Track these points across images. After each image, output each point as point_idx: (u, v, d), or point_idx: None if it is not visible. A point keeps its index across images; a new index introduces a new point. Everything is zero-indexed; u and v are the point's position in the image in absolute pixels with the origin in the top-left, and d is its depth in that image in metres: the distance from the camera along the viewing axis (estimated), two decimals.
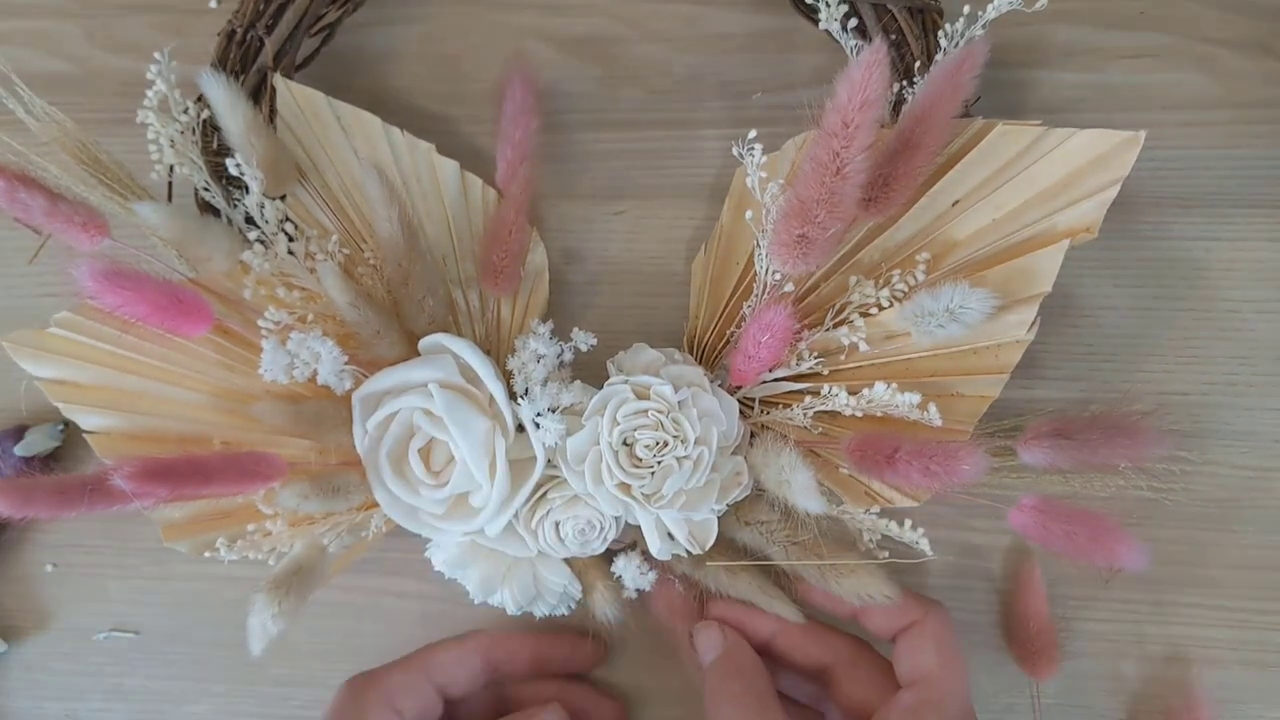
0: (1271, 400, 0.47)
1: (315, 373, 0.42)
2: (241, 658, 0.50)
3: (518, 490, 0.44)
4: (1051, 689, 0.47)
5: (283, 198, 0.45)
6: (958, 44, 0.42)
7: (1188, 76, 0.48)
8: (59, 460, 0.50)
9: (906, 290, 0.42)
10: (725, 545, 0.45)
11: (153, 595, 0.51)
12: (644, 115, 0.50)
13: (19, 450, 0.49)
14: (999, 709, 0.48)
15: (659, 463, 0.42)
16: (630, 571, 0.45)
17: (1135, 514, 0.45)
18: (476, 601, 0.46)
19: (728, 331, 0.45)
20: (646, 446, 0.42)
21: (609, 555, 0.46)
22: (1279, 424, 0.47)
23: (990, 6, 0.41)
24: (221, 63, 0.45)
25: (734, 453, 0.44)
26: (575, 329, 0.44)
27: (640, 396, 0.43)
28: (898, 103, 0.43)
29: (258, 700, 0.51)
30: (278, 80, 0.45)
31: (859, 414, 0.42)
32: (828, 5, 0.43)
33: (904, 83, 0.43)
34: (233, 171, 0.43)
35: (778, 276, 0.42)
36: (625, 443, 0.43)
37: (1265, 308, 0.47)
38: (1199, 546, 0.47)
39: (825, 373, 0.43)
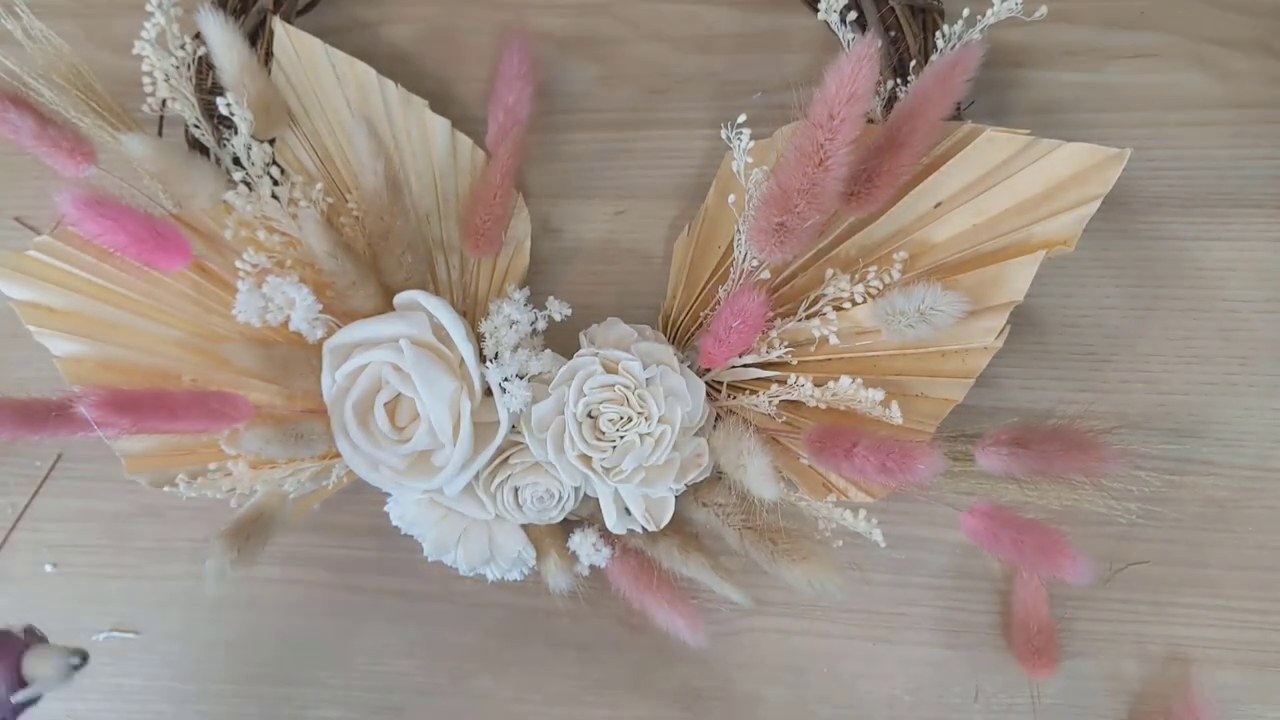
0: (1271, 400, 0.47)
1: (288, 318, 0.43)
2: (242, 657, 0.51)
3: (479, 453, 0.44)
4: (1051, 689, 0.48)
5: (271, 141, 0.45)
6: (954, 45, 0.42)
7: (1188, 76, 0.48)
8: None
9: (881, 288, 0.42)
10: (681, 524, 0.46)
11: (153, 595, 0.51)
12: (642, 115, 0.50)
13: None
14: (999, 709, 0.48)
15: (621, 437, 0.43)
16: (585, 548, 0.45)
17: (1135, 514, 0.44)
18: (430, 559, 0.46)
19: (702, 314, 0.45)
20: (610, 420, 0.43)
21: (566, 525, 0.46)
22: (1279, 424, 0.47)
23: (990, 11, 0.41)
24: (222, 2, 0.45)
25: (697, 434, 0.45)
26: (551, 298, 0.44)
27: (609, 370, 0.43)
28: (890, 100, 0.43)
29: (258, 700, 0.51)
30: (276, 24, 0.45)
31: (823, 406, 0.43)
32: None
33: (898, 80, 0.43)
34: (223, 111, 0.43)
35: (755, 263, 0.42)
36: (590, 415, 0.43)
37: (1265, 308, 0.47)
38: (1199, 546, 0.47)
39: (793, 363, 0.44)
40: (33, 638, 0.41)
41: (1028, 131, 0.41)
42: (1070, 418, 0.43)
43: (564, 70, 0.50)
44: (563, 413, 0.43)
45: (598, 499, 0.45)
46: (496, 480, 0.45)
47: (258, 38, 0.46)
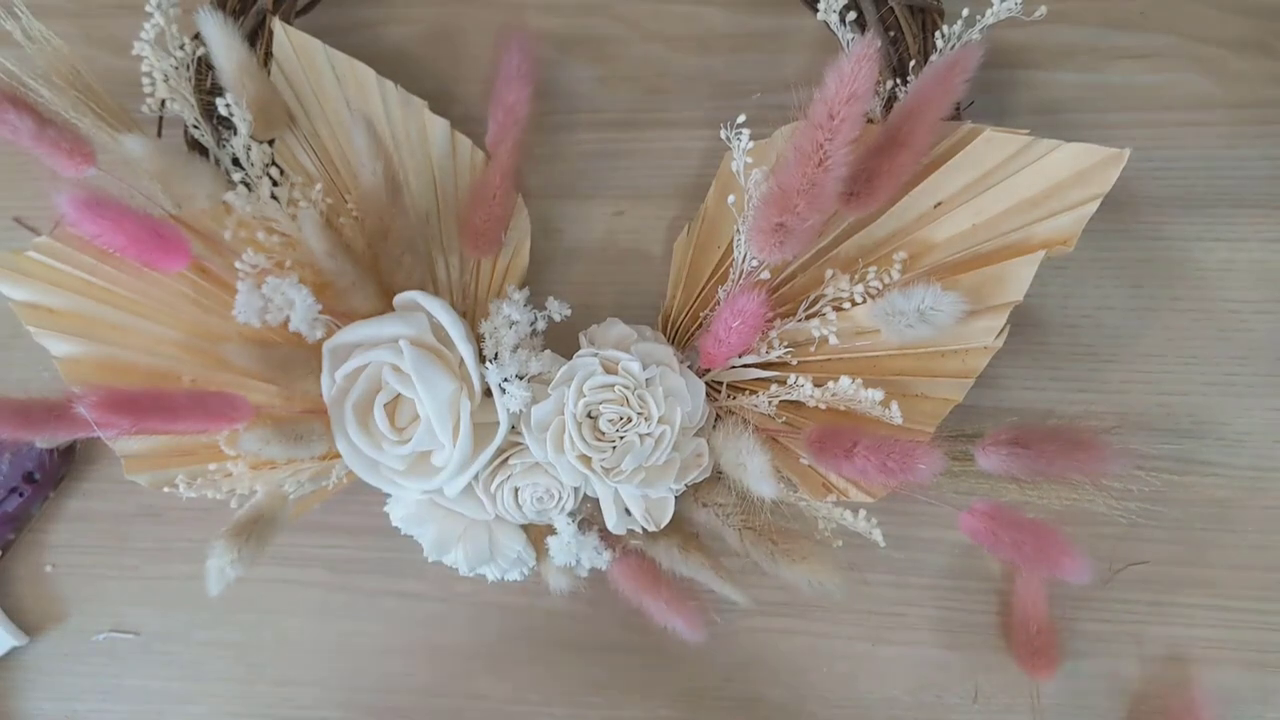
0: (1271, 400, 0.47)
1: (288, 319, 0.43)
2: (241, 658, 0.51)
3: (479, 453, 0.44)
4: (1051, 689, 0.48)
5: (271, 142, 0.45)
6: (954, 46, 0.42)
7: (1188, 76, 0.48)
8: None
9: (881, 288, 0.42)
10: (681, 524, 0.46)
11: (152, 595, 0.51)
12: (642, 115, 0.49)
13: None
14: (999, 709, 0.48)
15: (621, 438, 0.43)
16: (588, 550, 0.45)
17: (1135, 514, 0.44)
18: (430, 560, 0.46)
19: (702, 314, 0.45)
20: (610, 421, 0.43)
21: None
22: (1278, 424, 0.47)
23: (989, 11, 0.41)
24: (221, 3, 0.45)
25: (697, 434, 0.45)
26: (550, 298, 0.44)
27: (608, 371, 0.43)
28: (890, 100, 0.43)
29: (258, 700, 0.51)
30: (276, 24, 0.45)
31: (823, 406, 0.43)
32: None
33: (897, 80, 0.43)
34: (222, 111, 0.43)
35: (754, 263, 0.42)
36: (589, 415, 0.43)
37: (1265, 308, 0.47)
38: (1199, 546, 0.47)
39: (793, 363, 0.44)
40: None
41: (1028, 131, 0.41)
42: (1070, 418, 0.43)
43: (564, 70, 0.50)
44: (562, 413, 0.43)
45: (597, 499, 0.45)
46: (496, 480, 0.45)
47: (257, 38, 0.46)
